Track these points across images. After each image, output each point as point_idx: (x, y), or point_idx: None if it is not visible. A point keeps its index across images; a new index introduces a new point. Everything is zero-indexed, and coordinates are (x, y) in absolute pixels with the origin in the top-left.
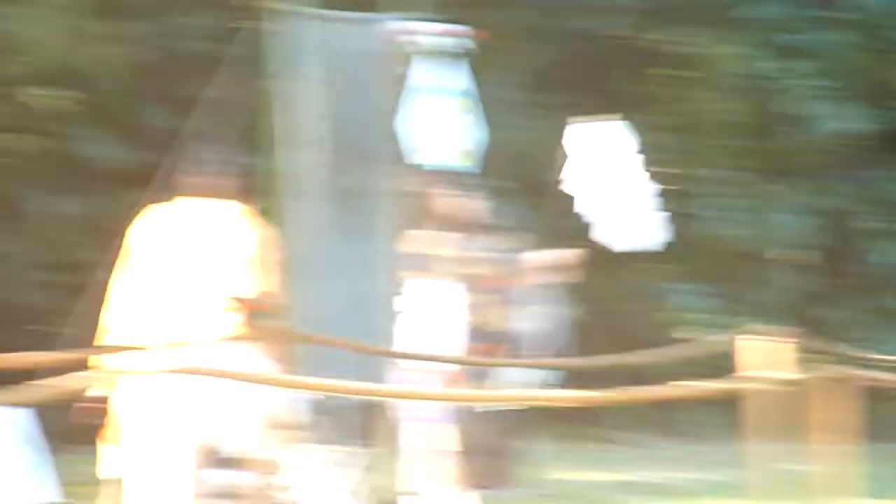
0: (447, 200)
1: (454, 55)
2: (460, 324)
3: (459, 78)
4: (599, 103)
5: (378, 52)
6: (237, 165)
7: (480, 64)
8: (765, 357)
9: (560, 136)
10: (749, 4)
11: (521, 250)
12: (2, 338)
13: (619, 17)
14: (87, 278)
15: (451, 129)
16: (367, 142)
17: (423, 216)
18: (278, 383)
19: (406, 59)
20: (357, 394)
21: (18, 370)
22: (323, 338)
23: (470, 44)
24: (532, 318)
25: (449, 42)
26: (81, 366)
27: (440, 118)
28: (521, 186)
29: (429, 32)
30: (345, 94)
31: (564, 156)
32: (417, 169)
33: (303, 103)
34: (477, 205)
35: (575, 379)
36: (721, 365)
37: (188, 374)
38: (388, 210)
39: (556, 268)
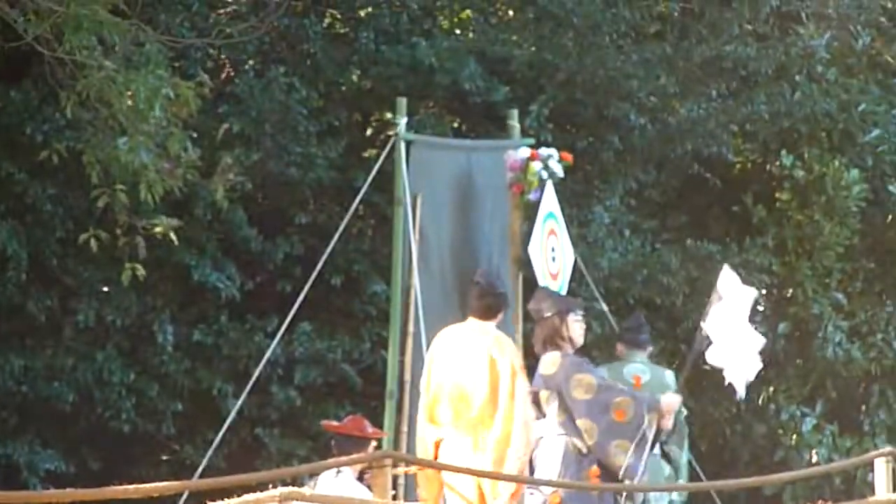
0: (578, 325)
1: (552, 178)
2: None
3: (553, 200)
4: (719, 227)
5: (498, 178)
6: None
7: (594, 187)
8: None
9: (677, 260)
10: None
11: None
12: (128, 468)
13: (742, 141)
14: (209, 406)
15: (565, 251)
16: (494, 267)
17: (556, 340)
18: None
19: (532, 185)
20: None
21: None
22: (433, 462)
23: (562, 167)
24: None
25: (550, 166)
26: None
27: (562, 241)
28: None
29: (540, 157)
30: (472, 221)
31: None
32: (548, 292)
33: (430, 230)
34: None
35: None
36: (846, 487)
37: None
38: (516, 333)
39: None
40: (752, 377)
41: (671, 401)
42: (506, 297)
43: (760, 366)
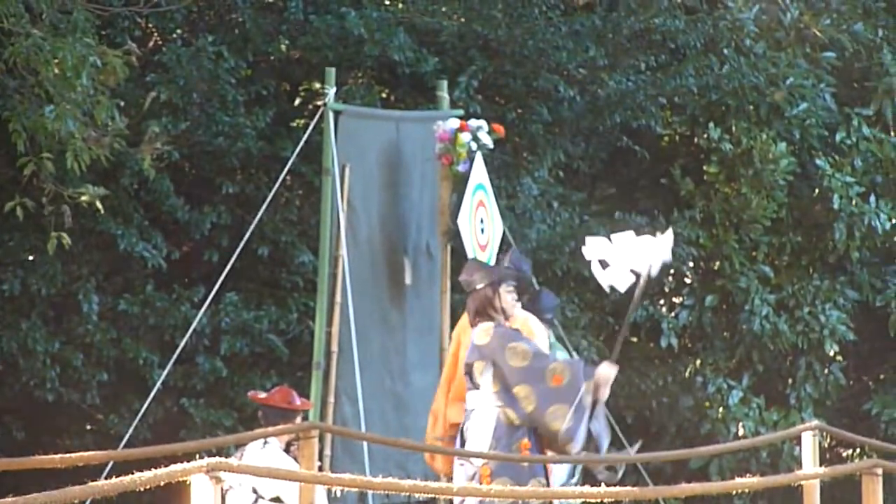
0: (510, 295)
1: (480, 150)
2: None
3: (482, 172)
4: (647, 200)
5: (433, 148)
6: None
7: (523, 159)
8: (818, 451)
9: (605, 232)
10: (800, 103)
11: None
12: (52, 438)
13: (671, 114)
14: (135, 376)
15: (494, 223)
16: (423, 238)
17: (488, 311)
18: (313, 480)
19: (461, 156)
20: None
21: (85, 468)
22: (360, 434)
23: (492, 138)
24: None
25: (487, 137)
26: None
27: (491, 213)
28: (551, 280)
29: (468, 128)
30: (401, 191)
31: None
32: (479, 264)
33: (359, 201)
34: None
35: (631, 475)
36: (773, 460)
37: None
38: (444, 304)
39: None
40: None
41: (607, 371)
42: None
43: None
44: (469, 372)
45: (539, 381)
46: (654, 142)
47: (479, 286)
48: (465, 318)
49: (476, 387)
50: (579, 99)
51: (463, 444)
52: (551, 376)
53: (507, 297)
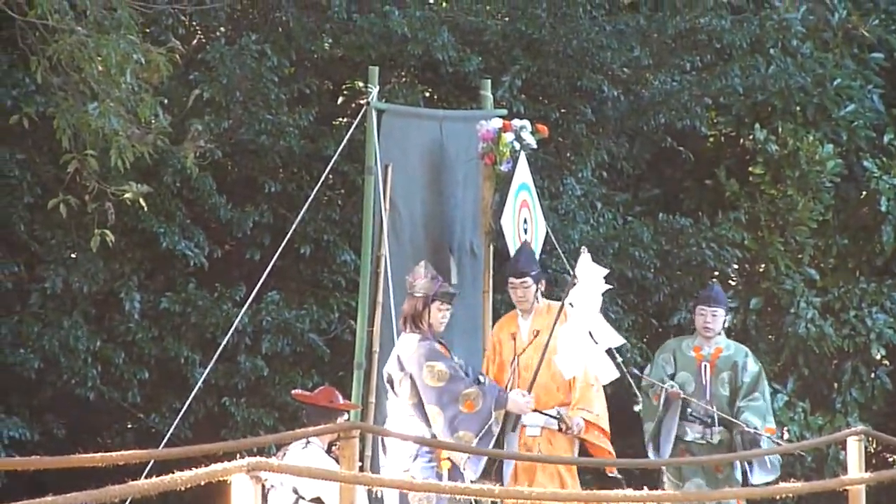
0: (441, 314)
1: (525, 150)
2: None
3: (525, 172)
4: (691, 201)
5: (476, 148)
6: None
7: (566, 159)
8: (863, 456)
9: (649, 233)
10: (847, 104)
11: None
12: (95, 436)
13: (716, 114)
14: (177, 374)
15: (537, 223)
16: (467, 237)
17: (417, 321)
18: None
19: (504, 155)
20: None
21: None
22: (401, 434)
23: (536, 138)
24: None
25: (531, 137)
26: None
27: (534, 213)
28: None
29: (512, 128)
30: (445, 191)
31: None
32: (429, 273)
33: (401, 200)
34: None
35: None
36: (818, 465)
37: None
38: (487, 304)
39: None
40: (604, 381)
41: (519, 404)
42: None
43: (613, 374)
44: (390, 381)
45: (451, 405)
46: (698, 142)
47: (417, 294)
48: (505, 317)
49: (396, 395)
50: (623, 99)
51: (384, 450)
52: (464, 401)
53: (438, 314)
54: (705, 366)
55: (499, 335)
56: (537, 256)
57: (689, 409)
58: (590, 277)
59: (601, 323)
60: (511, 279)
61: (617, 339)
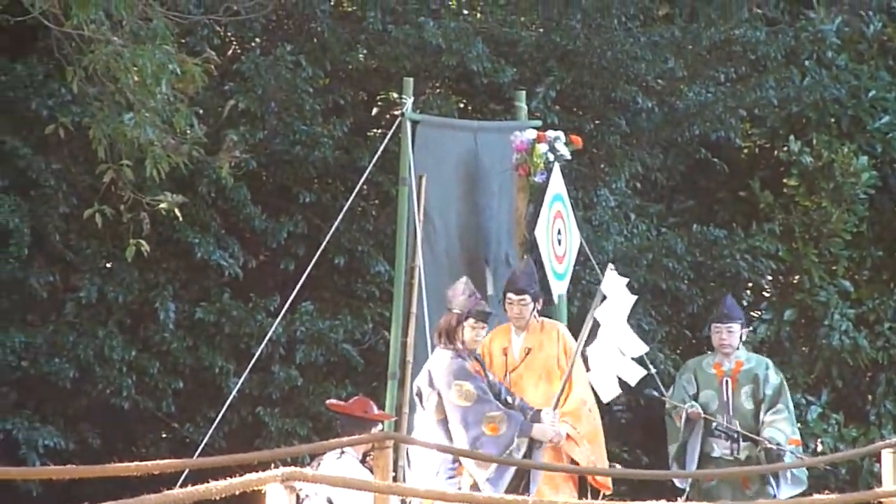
0: (474, 332)
1: (558, 161)
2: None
3: (559, 183)
4: (726, 212)
5: (510, 159)
6: None
7: (600, 170)
8: None
9: (683, 244)
10: (883, 115)
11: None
12: (129, 445)
13: (750, 126)
14: (211, 384)
15: (571, 234)
16: (503, 248)
17: (451, 336)
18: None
19: (538, 167)
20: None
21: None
22: (435, 445)
23: (570, 149)
24: None
25: (557, 148)
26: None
27: (568, 224)
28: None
29: (546, 139)
30: (479, 201)
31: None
32: (467, 289)
33: (435, 211)
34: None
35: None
36: (852, 477)
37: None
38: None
39: None
40: (632, 381)
41: (547, 432)
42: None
43: (641, 372)
44: (419, 394)
45: (475, 425)
46: (733, 154)
47: (453, 309)
48: (497, 329)
49: (423, 408)
50: (657, 110)
51: (408, 464)
52: (488, 423)
53: (472, 332)
54: (727, 381)
55: (490, 347)
56: (571, 269)
57: (714, 424)
58: (616, 293)
59: (628, 334)
60: (510, 295)
61: (642, 348)
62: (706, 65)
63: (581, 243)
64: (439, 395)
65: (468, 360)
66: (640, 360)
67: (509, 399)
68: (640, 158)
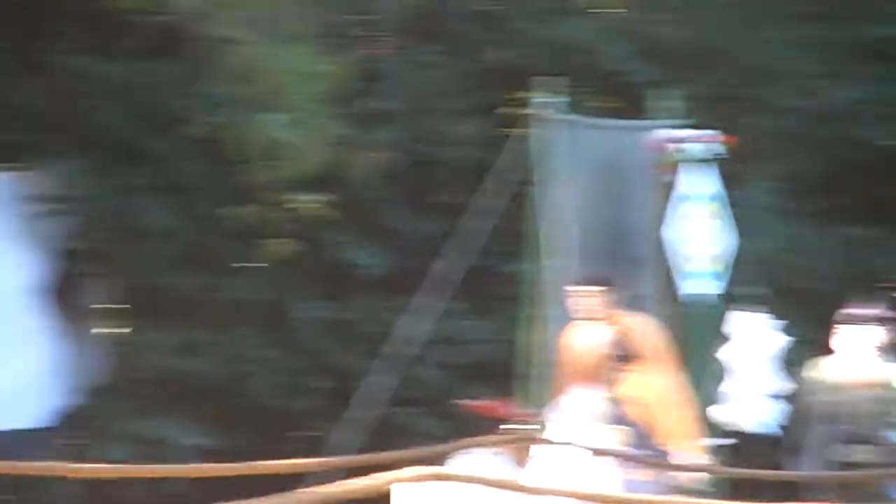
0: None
1: (709, 161)
2: None
3: (712, 183)
4: (875, 213)
5: (642, 158)
6: None
7: (748, 170)
8: None
9: (835, 244)
10: None
11: None
12: (267, 444)
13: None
14: (349, 384)
15: (708, 234)
16: (633, 248)
17: None
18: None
19: (671, 166)
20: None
21: (286, 476)
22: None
23: (721, 149)
24: None
25: (705, 148)
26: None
27: (702, 224)
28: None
29: (689, 139)
30: (618, 201)
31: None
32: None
33: (572, 210)
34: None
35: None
36: None
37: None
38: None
39: None
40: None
41: None
42: None
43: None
44: None
45: None
46: (883, 154)
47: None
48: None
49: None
50: (806, 109)
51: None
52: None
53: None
54: (849, 384)
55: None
56: (728, 270)
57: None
58: (746, 332)
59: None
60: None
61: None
62: (854, 64)
63: (728, 244)
64: None
65: None
66: None
67: None
68: (789, 158)
